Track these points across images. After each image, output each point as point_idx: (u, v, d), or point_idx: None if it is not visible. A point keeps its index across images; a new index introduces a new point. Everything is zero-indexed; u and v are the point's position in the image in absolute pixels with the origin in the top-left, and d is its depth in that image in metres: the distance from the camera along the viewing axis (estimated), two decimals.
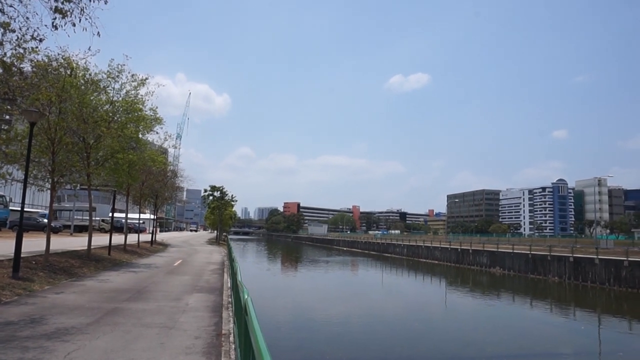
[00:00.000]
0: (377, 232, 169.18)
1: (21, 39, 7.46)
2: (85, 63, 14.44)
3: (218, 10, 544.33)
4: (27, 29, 7.26)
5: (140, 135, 18.65)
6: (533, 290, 32.95)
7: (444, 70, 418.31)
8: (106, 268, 16.88)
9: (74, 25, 6.68)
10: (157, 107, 17.74)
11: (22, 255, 11.97)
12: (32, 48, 8.02)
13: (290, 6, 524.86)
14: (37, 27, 7.31)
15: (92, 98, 15.36)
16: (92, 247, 18.41)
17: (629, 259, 30.77)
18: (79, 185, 20.09)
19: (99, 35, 6.89)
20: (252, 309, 3.26)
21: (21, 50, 7.89)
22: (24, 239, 12.06)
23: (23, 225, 12.25)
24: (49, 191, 15.52)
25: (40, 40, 7.74)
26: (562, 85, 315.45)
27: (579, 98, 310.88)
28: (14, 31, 7.18)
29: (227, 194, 59.22)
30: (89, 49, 7.55)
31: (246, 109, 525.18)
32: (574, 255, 35.60)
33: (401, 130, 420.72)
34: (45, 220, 30.21)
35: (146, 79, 16.56)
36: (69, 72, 13.48)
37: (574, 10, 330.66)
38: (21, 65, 8.90)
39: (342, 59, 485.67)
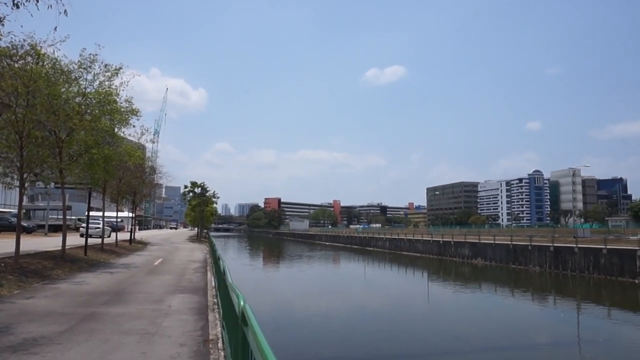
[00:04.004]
0: (358, 226, 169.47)
1: None
2: (54, 52, 13.55)
3: (191, 4, 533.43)
4: None
5: (115, 130, 17.77)
6: (515, 280, 33.32)
7: (419, 62, 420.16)
8: (82, 269, 16.05)
9: (37, 1, 5.99)
10: (132, 98, 16.90)
11: None
12: None
13: (265, 0, 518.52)
14: None
15: (62, 89, 14.47)
16: (67, 247, 17.53)
17: (607, 247, 31.38)
18: (52, 183, 19.05)
19: (66, 14, 6.21)
20: (252, 318, 2.77)
21: None
22: None
23: None
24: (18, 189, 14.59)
25: (1, 22, 7.01)
26: (535, 77, 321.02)
27: (551, 89, 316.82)
28: None
29: (208, 190, 58.07)
30: (55, 29, 6.78)
31: (223, 103, 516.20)
32: (554, 244, 36.14)
33: (379, 123, 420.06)
34: None
35: (120, 68, 15.71)
36: (35, 60, 12.59)
37: (546, 1, 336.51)
38: None
39: (318, 52, 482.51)
